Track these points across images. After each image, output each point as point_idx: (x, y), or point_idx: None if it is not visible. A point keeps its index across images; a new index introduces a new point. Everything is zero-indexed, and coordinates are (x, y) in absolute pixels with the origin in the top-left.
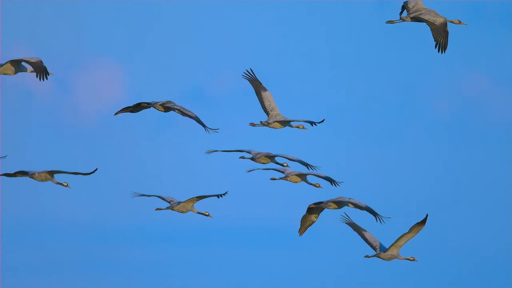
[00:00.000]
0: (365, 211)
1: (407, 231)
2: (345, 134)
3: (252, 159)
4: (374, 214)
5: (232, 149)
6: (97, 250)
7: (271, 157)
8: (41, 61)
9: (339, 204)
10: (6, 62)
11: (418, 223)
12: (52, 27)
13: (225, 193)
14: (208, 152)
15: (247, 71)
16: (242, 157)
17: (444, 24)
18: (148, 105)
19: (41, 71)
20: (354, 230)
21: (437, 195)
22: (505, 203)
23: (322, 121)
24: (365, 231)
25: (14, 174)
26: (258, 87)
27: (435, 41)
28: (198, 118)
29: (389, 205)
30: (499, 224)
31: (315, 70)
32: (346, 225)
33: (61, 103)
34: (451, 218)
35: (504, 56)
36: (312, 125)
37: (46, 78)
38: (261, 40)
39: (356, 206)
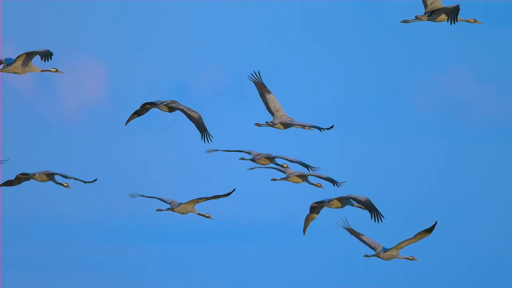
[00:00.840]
0: (364, 215)
1: (410, 236)
2: (334, 134)
3: (252, 160)
4: (371, 210)
5: (233, 149)
6: (97, 248)
7: (271, 159)
8: (48, 50)
9: (342, 201)
10: (18, 59)
11: (425, 230)
12: (35, 25)
13: (233, 190)
14: (208, 151)
15: (254, 73)
16: (242, 158)
17: (457, 6)
18: (152, 105)
19: (46, 55)
20: (352, 234)
21: (425, 193)
22: (496, 199)
23: (331, 127)
24: (363, 235)
25: (17, 179)
26: (262, 89)
27: (446, 16)
28: (201, 119)
29: (383, 205)
30: (496, 223)
31: (302, 68)
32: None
33: (44, 101)
34: (448, 217)
35: (488, 53)
36: (321, 131)
37: (51, 59)
38: (247, 38)
39: (357, 200)
